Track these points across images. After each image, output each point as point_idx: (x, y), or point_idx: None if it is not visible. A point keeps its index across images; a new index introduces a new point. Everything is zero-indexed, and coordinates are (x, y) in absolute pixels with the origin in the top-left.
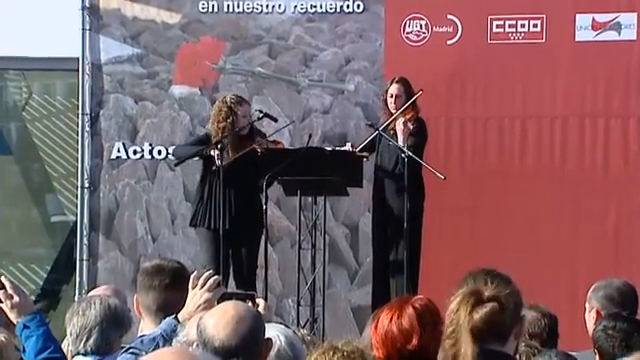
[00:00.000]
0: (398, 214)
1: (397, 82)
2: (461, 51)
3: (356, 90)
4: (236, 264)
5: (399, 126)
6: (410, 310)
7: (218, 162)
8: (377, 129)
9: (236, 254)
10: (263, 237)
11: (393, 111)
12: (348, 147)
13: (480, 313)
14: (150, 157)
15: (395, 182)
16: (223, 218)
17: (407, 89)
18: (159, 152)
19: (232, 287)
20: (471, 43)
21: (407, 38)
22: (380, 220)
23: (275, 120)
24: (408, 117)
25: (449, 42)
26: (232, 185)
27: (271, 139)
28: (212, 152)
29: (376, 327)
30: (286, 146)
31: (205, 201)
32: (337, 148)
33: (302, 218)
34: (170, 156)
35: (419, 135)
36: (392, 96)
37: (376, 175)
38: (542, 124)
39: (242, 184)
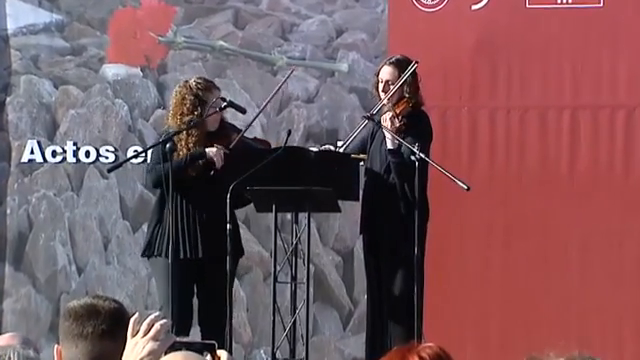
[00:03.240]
0: (392, 237)
1: (390, 64)
2: (491, 19)
3: (350, 71)
4: (203, 304)
5: (386, 122)
6: None
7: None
8: (377, 122)
9: (203, 290)
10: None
11: (384, 102)
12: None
13: None
14: (75, 160)
15: (388, 195)
16: (190, 244)
17: (402, 71)
18: (87, 154)
19: (195, 335)
20: (504, 8)
21: (418, 1)
22: (372, 245)
23: (243, 111)
24: (399, 110)
25: (474, 7)
26: (201, 200)
27: (252, 137)
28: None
29: None
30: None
31: (165, 222)
32: (325, 148)
33: (279, 242)
34: (104, 166)
35: (421, 135)
36: (382, 82)
37: (366, 185)
38: (599, 117)
39: (214, 198)
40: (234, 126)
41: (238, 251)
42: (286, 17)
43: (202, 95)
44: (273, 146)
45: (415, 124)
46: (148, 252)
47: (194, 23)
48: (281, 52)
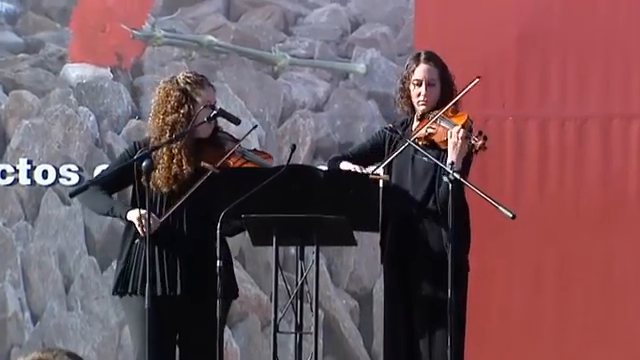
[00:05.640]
0: (429, 275)
1: (426, 60)
2: (542, 6)
3: (369, 73)
4: (186, 356)
5: (453, 139)
6: None
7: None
8: (402, 135)
9: (186, 339)
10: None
11: (421, 108)
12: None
13: None
14: (29, 182)
15: (424, 222)
16: (170, 280)
17: (442, 71)
18: (44, 174)
19: None
20: None
21: None
22: (395, 282)
23: (237, 122)
24: (462, 122)
25: None
26: (185, 226)
27: (252, 148)
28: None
29: None
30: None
31: (137, 255)
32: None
33: (280, 282)
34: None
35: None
36: (419, 84)
37: (386, 208)
38: None
39: (201, 224)
40: (230, 135)
41: (231, 291)
42: (289, 6)
43: (190, 90)
44: (274, 164)
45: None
46: (121, 289)
47: (177, 13)
48: (283, 49)
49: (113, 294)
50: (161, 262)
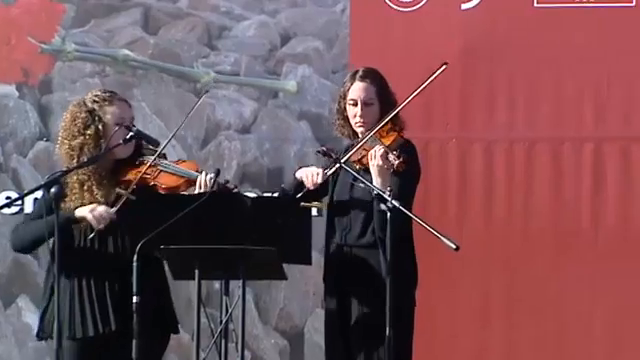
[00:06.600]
0: (369, 310)
1: (361, 78)
2: (487, 22)
3: (300, 91)
4: None
5: (375, 160)
6: None
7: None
8: (337, 159)
9: None
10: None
11: (359, 130)
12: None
13: None
14: None
15: (365, 254)
16: (102, 315)
17: (381, 88)
18: None
19: None
20: (505, 7)
21: None
22: (335, 320)
23: (155, 144)
24: (390, 142)
25: (465, 6)
26: (112, 257)
27: (174, 160)
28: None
29: None
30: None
31: (62, 294)
32: (267, 194)
33: (203, 319)
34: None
35: (408, 173)
36: (355, 104)
37: (329, 239)
38: (632, 152)
39: (130, 254)
40: (154, 148)
41: (170, 325)
42: (213, 18)
43: (98, 109)
44: (197, 189)
45: (406, 160)
46: (43, 333)
47: (89, 25)
48: (207, 65)
49: (38, 339)
50: (90, 298)
